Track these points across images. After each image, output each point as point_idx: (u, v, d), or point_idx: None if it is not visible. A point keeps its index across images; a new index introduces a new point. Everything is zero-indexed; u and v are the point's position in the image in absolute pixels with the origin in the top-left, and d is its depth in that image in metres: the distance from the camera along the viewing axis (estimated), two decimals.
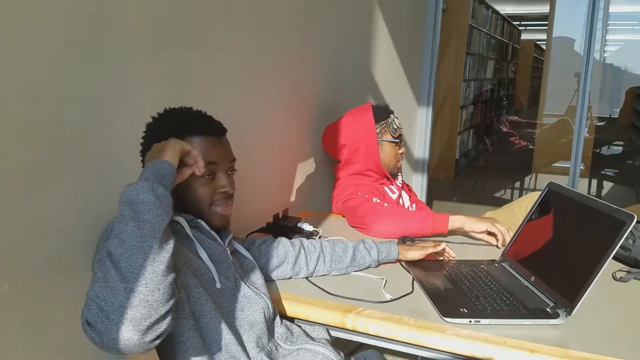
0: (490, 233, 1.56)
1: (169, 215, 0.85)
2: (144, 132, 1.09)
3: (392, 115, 1.92)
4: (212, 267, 1.01)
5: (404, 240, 1.56)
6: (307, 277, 1.30)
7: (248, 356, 0.98)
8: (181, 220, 1.03)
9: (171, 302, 0.78)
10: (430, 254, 1.41)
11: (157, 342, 0.76)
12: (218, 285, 1.01)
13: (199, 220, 1.07)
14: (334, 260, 1.32)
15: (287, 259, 1.28)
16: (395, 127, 1.91)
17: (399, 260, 1.42)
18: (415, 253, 1.40)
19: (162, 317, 0.76)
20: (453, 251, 1.45)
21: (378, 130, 1.89)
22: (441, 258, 1.45)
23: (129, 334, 0.72)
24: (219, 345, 0.94)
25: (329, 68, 2.23)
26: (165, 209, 0.84)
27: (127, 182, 1.15)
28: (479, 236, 1.58)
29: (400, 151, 1.95)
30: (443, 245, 1.42)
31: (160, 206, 0.83)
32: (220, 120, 1.13)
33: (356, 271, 1.35)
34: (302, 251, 1.30)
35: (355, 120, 1.90)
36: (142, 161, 1.09)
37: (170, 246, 0.82)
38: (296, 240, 1.33)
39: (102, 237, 0.96)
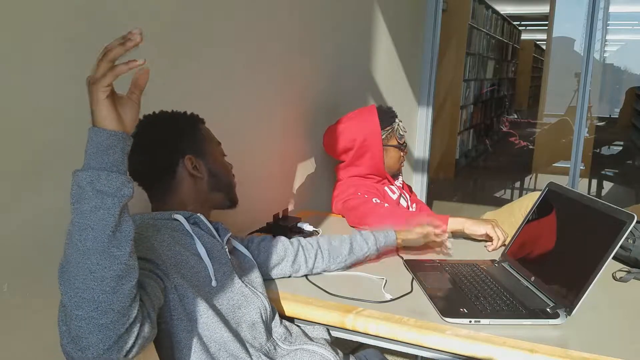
0: (490, 237, 1.56)
1: (113, 201, 0.70)
2: (136, 143, 1.05)
3: (397, 120, 1.92)
4: (209, 264, 1.01)
5: None
6: (306, 275, 1.30)
7: (248, 354, 0.98)
8: (179, 217, 1.03)
9: (133, 304, 0.73)
10: (429, 243, 1.43)
11: (135, 353, 0.73)
12: (214, 283, 1.00)
13: (199, 215, 1.07)
14: (332, 254, 1.31)
15: (287, 256, 1.28)
16: (401, 132, 1.92)
17: (399, 247, 1.44)
18: (414, 234, 1.42)
19: (134, 321, 0.72)
20: (452, 250, 1.45)
21: (384, 135, 1.88)
22: (438, 249, 1.46)
23: (97, 338, 0.68)
24: (217, 343, 0.94)
25: (329, 68, 2.23)
26: (97, 192, 0.69)
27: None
28: (479, 239, 1.57)
29: (404, 154, 1.96)
30: (445, 236, 1.43)
31: (86, 190, 0.69)
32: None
33: (355, 263, 1.35)
34: (300, 249, 1.30)
35: (361, 125, 1.89)
36: (138, 175, 1.06)
37: (119, 238, 0.71)
38: (294, 239, 1.33)
39: None
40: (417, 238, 1.43)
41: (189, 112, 1.15)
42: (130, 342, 0.72)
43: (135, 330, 0.73)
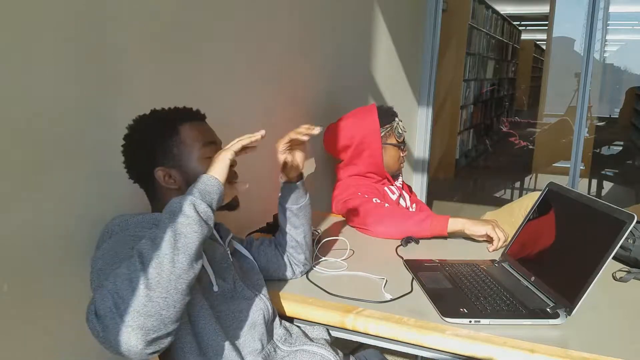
0: (490, 238, 1.55)
1: (205, 234, 0.83)
2: (125, 144, 1.07)
3: (396, 119, 1.92)
4: (210, 270, 1.01)
5: (407, 241, 1.56)
6: (307, 275, 1.29)
7: (247, 358, 0.98)
8: None
9: (179, 322, 0.78)
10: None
11: (154, 355, 0.76)
12: (215, 288, 1.00)
13: None
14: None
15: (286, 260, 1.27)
16: (400, 131, 1.91)
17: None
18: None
19: (168, 334, 0.76)
20: (454, 252, 1.44)
21: (383, 134, 1.88)
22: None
23: (134, 341, 0.72)
24: (214, 349, 0.94)
25: (329, 68, 2.23)
26: (203, 226, 0.82)
27: (126, 183, 1.16)
28: (480, 239, 1.57)
29: (403, 154, 1.95)
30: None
31: (198, 222, 0.82)
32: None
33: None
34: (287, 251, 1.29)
35: (360, 122, 1.90)
36: (134, 177, 1.08)
37: (197, 268, 0.81)
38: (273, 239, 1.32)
39: (102, 238, 0.96)
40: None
41: (180, 107, 1.11)
42: (163, 344, 0.77)
43: (172, 336, 0.78)
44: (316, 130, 1.10)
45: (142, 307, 0.72)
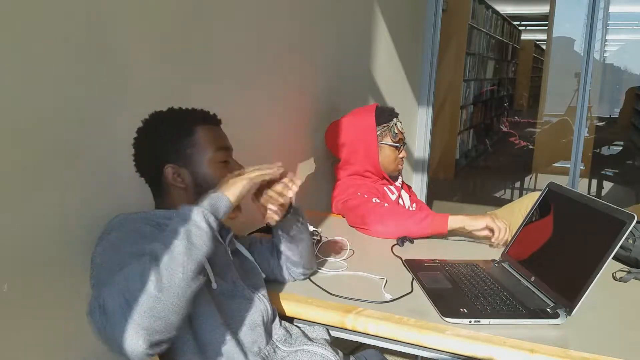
0: (490, 229, 1.54)
1: (211, 248, 0.85)
2: (138, 138, 1.08)
3: (395, 119, 1.91)
4: (208, 267, 1.00)
5: (403, 240, 1.56)
6: (307, 274, 1.29)
7: (246, 358, 0.98)
8: None
9: (179, 328, 0.79)
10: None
11: (153, 355, 0.77)
12: (214, 286, 1.00)
13: None
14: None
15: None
16: (396, 131, 1.90)
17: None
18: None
19: (169, 339, 0.77)
20: (454, 252, 1.44)
21: (379, 132, 1.88)
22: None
23: (139, 341, 0.72)
24: (213, 348, 0.94)
25: (329, 68, 2.23)
26: (212, 241, 0.85)
27: (126, 182, 1.16)
28: (481, 234, 1.56)
29: (401, 155, 1.93)
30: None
31: (210, 237, 0.84)
32: (221, 120, 1.14)
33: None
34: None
35: (357, 120, 1.90)
36: (142, 171, 1.10)
37: (202, 280, 0.83)
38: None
39: (102, 235, 0.96)
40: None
41: (198, 109, 1.12)
42: (163, 347, 0.78)
43: (171, 341, 0.79)
44: (295, 188, 1.03)
45: (151, 308, 0.73)
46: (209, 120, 1.11)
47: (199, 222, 0.83)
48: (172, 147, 1.06)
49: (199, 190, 1.06)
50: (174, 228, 0.82)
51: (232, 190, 0.92)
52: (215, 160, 1.07)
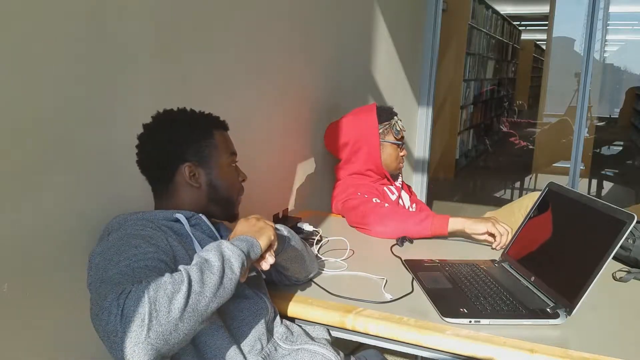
0: (491, 234, 1.54)
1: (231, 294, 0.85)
2: (149, 135, 1.08)
3: (395, 117, 1.92)
4: None
5: (402, 241, 1.56)
6: (308, 278, 1.29)
7: (245, 359, 0.97)
8: (181, 217, 1.03)
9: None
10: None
11: None
12: None
13: (200, 215, 1.07)
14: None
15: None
16: (398, 128, 1.91)
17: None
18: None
19: (163, 358, 0.76)
20: (454, 252, 1.44)
21: (381, 130, 1.89)
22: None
23: (143, 357, 0.70)
24: (213, 348, 0.94)
25: (329, 68, 2.23)
26: (236, 287, 0.85)
27: (126, 183, 1.16)
28: (481, 237, 1.55)
29: (402, 153, 1.95)
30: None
31: (236, 281, 0.84)
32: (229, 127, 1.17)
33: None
34: None
35: (359, 120, 1.90)
36: (151, 169, 1.09)
37: (210, 320, 0.83)
38: None
39: (102, 236, 0.96)
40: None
41: (214, 115, 1.14)
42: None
43: None
44: (266, 266, 0.96)
45: (169, 333, 0.72)
46: (222, 125, 1.16)
47: (235, 267, 0.83)
48: (192, 147, 1.08)
49: (211, 191, 1.10)
50: (211, 261, 0.81)
51: (264, 239, 0.92)
52: (229, 163, 1.13)
